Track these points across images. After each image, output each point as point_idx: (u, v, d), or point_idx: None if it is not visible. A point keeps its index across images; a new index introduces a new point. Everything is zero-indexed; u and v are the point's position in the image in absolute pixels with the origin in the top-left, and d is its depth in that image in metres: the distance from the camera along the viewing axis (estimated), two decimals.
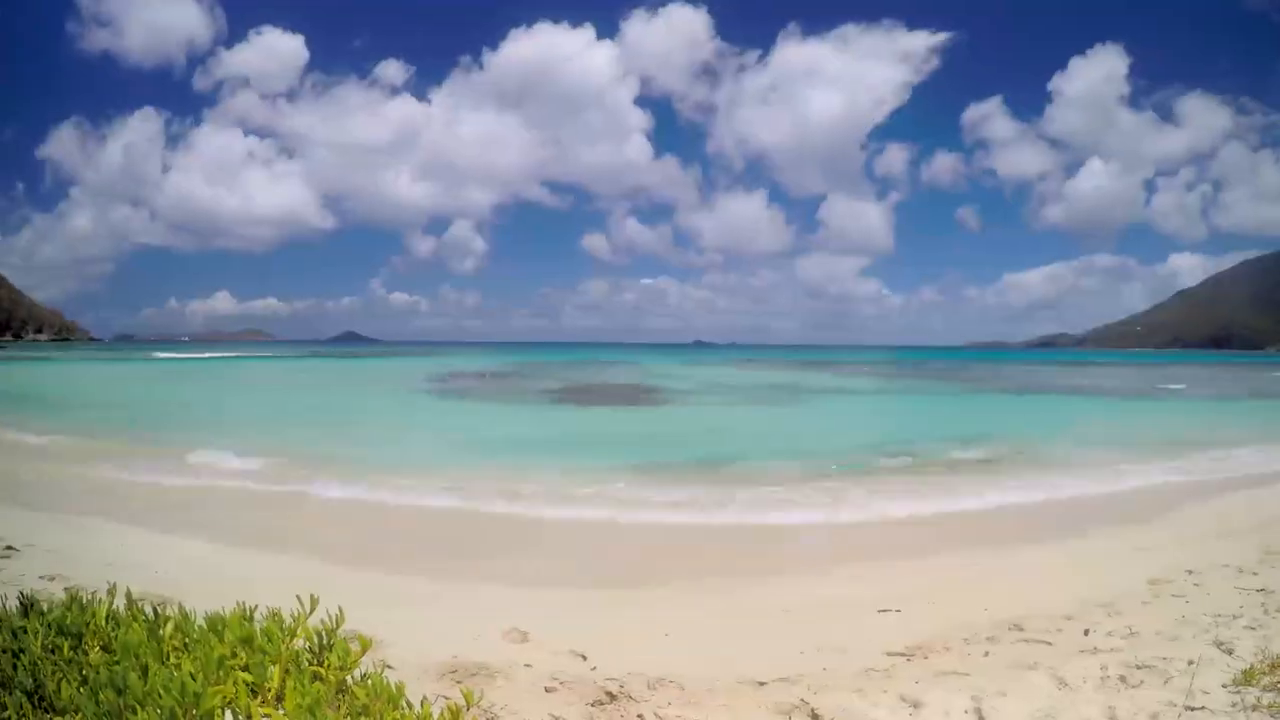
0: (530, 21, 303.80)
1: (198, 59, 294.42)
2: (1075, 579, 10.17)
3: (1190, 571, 9.94)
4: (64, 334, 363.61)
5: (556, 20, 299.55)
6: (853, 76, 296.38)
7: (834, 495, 17.60)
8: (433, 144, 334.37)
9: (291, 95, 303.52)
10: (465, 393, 58.81)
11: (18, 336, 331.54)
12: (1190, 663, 6.24)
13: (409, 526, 15.11)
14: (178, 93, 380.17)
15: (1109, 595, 8.96)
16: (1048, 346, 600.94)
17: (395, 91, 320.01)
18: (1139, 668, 6.32)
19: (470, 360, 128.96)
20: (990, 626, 8.06)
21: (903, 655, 7.35)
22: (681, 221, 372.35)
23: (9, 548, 11.27)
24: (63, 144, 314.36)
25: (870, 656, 7.31)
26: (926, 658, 7.27)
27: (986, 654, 7.26)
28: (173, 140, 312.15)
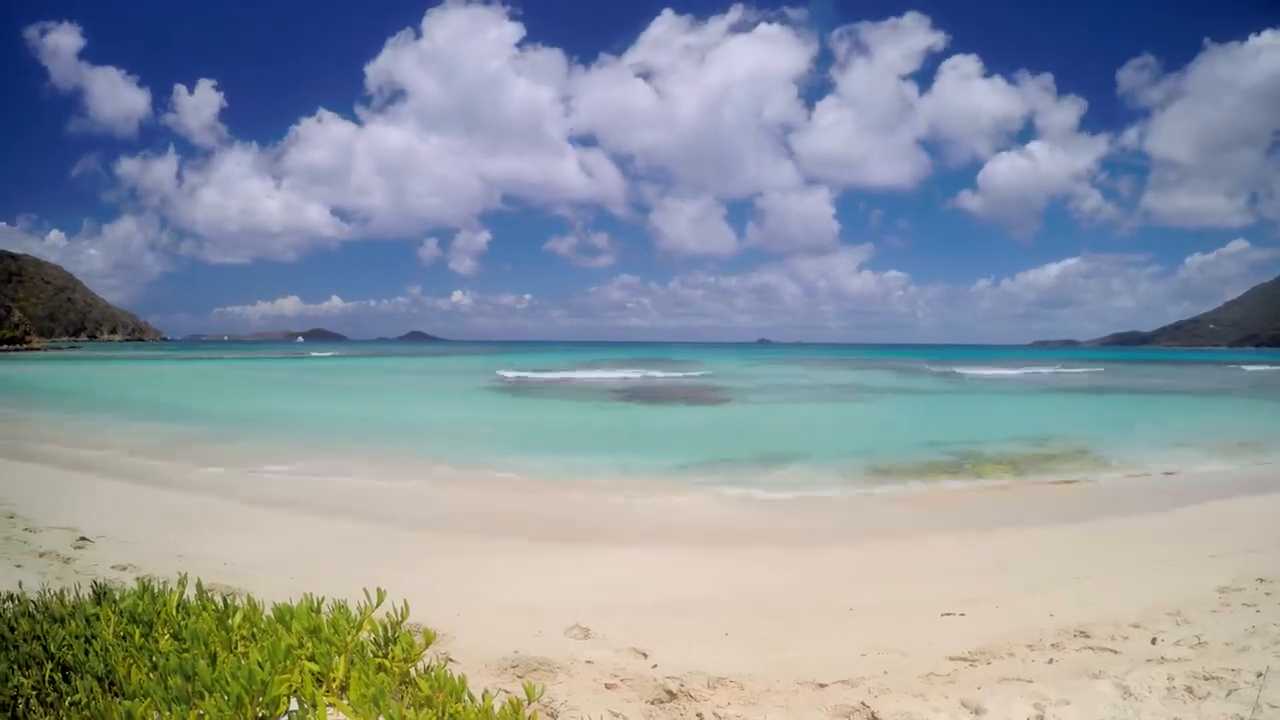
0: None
1: None
2: (1143, 585, 9.99)
3: (1262, 580, 9.68)
4: (137, 334, 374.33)
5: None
6: None
7: (901, 496, 17.57)
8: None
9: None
10: (539, 391, 59.45)
11: (93, 337, 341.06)
12: (1259, 675, 6.11)
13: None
14: None
15: (1177, 603, 8.78)
16: (1119, 345, 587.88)
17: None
18: (1206, 679, 6.21)
19: (542, 358, 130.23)
20: (1055, 632, 7.98)
21: (965, 659, 7.32)
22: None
23: (83, 539, 11.64)
24: (139, 158, 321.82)
25: (932, 660, 7.29)
26: (989, 663, 7.23)
27: (1051, 661, 7.20)
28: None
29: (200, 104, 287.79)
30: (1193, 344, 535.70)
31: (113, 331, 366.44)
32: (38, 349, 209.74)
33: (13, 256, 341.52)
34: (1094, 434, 29.68)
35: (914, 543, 13.56)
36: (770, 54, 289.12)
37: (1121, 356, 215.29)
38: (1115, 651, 7.33)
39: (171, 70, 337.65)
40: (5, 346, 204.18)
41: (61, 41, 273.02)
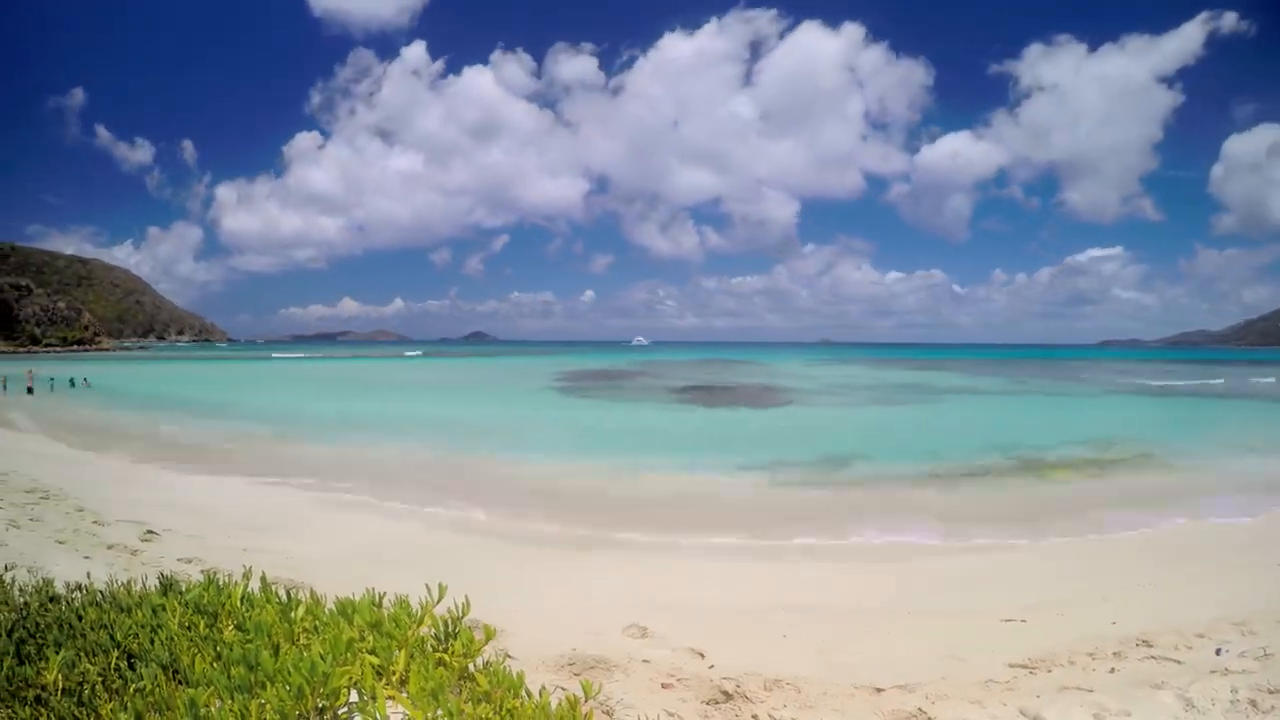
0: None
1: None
2: (1209, 594, 9.73)
3: None
4: (204, 335, 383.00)
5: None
6: None
7: (965, 498, 17.46)
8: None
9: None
10: (595, 391, 59.77)
11: (160, 338, 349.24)
12: None
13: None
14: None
15: (1244, 613, 8.53)
16: (1183, 345, 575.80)
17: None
18: (1271, 692, 6.03)
19: (605, 359, 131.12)
20: (1118, 641, 7.80)
21: (1025, 667, 7.19)
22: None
23: (150, 532, 11.90)
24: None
25: (991, 667, 7.17)
26: (1050, 671, 7.09)
27: (1112, 670, 7.05)
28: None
29: None
30: (1262, 343, 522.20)
31: (180, 333, 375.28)
32: (106, 349, 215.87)
33: (82, 261, 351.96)
34: (1152, 436, 29.05)
35: (977, 547, 13.38)
36: None
37: (1213, 357, 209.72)
38: (1178, 662, 7.15)
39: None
40: (75, 346, 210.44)
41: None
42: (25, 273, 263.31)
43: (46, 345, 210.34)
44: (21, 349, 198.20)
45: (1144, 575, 11.04)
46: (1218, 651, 7.39)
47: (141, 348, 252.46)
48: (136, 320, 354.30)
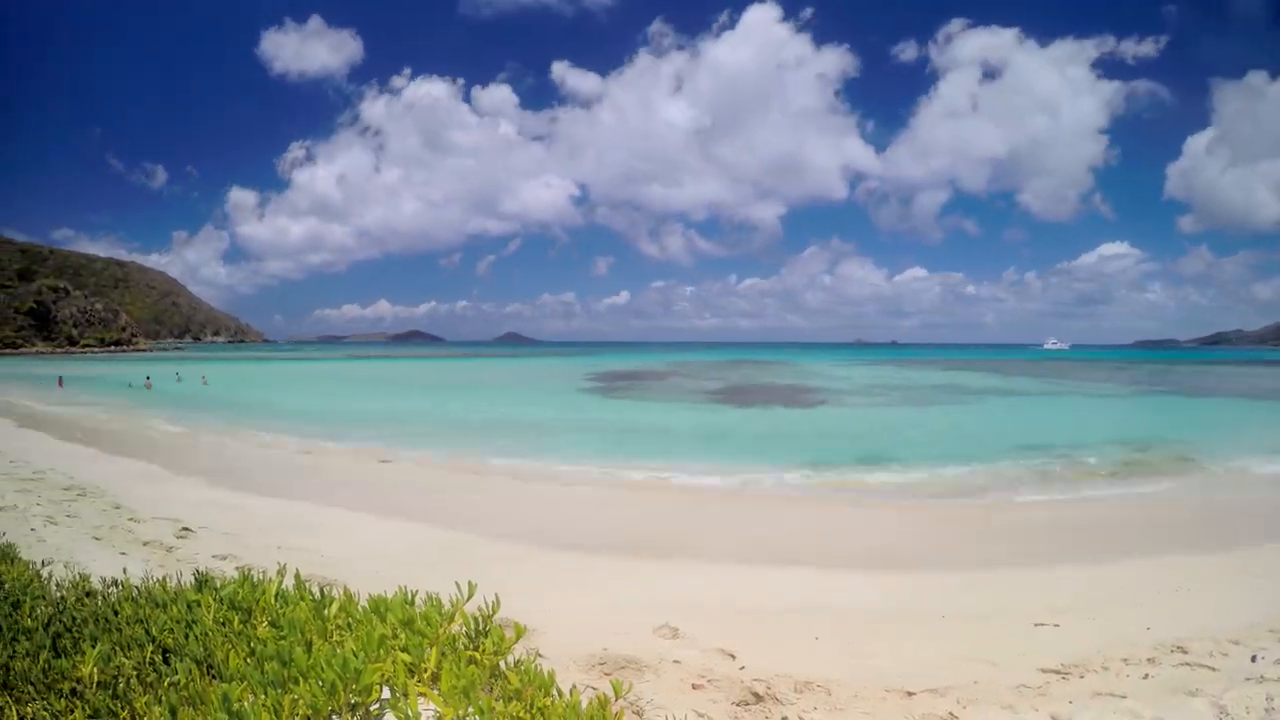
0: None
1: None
2: (1245, 600, 9.59)
3: None
4: (239, 336, 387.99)
5: None
6: None
7: (997, 499, 17.42)
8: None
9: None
10: (635, 390, 60.02)
11: (196, 339, 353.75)
12: None
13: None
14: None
15: None
16: (1219, 345, 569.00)
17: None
18: None
19: (646, 359, 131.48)
20: (1151, 647, 7.70)
21: (1057, 672, 7.11)
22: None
23: (185, 529, 12.05)
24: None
25: (1024, 671, 7.10)
26: (1082, 676, 7.01)
27: (1146, 676, 6.96)
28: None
29: None
30: None
31: (216, 334, 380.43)
32: (143, 349, 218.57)
33: (119, 264, 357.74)
34: (1186, 436, 28.58)
35: (1009, 550, 13.25)
36: None
37: (1252, 357, 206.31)
38: (1213, 669, 7.04)
39: None
40: (112, 347, 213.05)
41: None
42: (63, 275, 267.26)
43: (84, 346, 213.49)
44: (59, 350, 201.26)
45: (1178, 580, 10.89)
46: (1253, 658, 7.27)
47: (177, 348, 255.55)
48: (173, 321, 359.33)
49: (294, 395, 55.50)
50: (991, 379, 78.81)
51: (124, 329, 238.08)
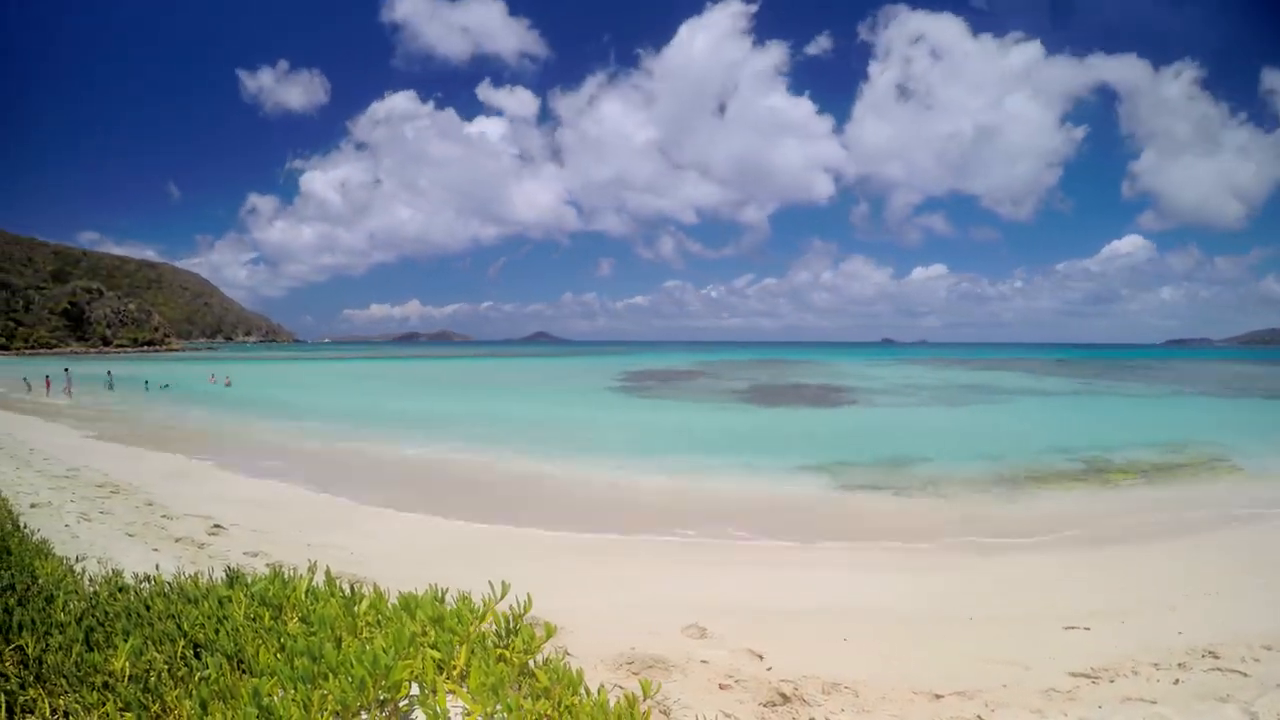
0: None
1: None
2: (1278, 605, 9.50)
3: None
4: (270, 336, 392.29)
5: None
6: None
7: (1028, 501, 17.32)
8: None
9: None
10: (664, 390, 60.15)
11: (228, 339, 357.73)
12: None
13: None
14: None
15: None
16: (1254, 344, 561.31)
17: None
18: None
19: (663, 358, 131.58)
20: (1183, 651, 7.60)
21: (1087, 676, 7.04)
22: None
23: (217, 526, 12.17)
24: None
25: (1053, 675, 7.03)
26: (1112, 681, 6.94)
27: (1176, 681, 6.87)
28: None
29: None
30: None
31: (247, 334, 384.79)
32: (176, 349, 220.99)
33: (151, 265, 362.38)
34: (1217, 438, 28.17)
35: (1039, 552, 13.11)
36: None
37: None
38: (1244, 674, 6.94)
39: None
40: (145, 347, 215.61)
41: None
42: (97, 277, 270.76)
43: (117, 346, 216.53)
44: (93, 349, 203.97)
45: (1211, 584, 10.73)
46: None
47: (210, 348, 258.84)
48: (204, 321, 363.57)
49: (332, 394, 55.87)
50: (1052, 381, 77.44)
51: (156, 329, 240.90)
